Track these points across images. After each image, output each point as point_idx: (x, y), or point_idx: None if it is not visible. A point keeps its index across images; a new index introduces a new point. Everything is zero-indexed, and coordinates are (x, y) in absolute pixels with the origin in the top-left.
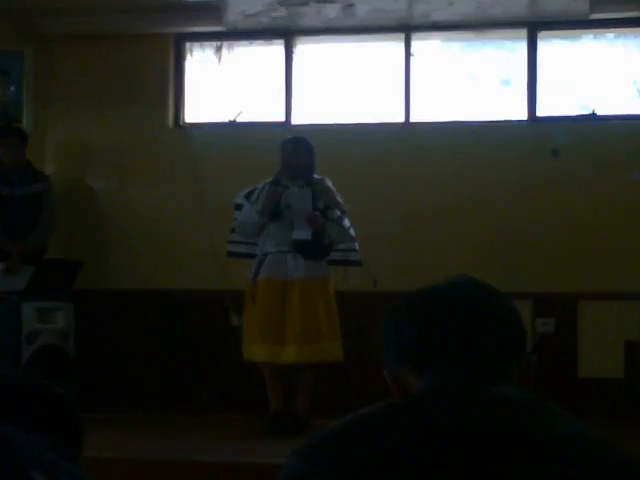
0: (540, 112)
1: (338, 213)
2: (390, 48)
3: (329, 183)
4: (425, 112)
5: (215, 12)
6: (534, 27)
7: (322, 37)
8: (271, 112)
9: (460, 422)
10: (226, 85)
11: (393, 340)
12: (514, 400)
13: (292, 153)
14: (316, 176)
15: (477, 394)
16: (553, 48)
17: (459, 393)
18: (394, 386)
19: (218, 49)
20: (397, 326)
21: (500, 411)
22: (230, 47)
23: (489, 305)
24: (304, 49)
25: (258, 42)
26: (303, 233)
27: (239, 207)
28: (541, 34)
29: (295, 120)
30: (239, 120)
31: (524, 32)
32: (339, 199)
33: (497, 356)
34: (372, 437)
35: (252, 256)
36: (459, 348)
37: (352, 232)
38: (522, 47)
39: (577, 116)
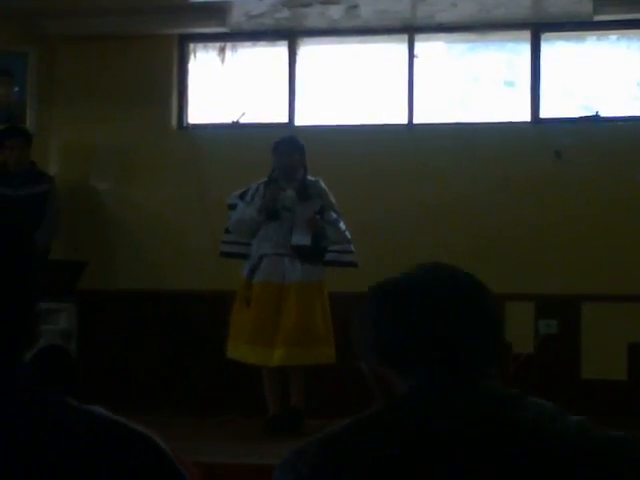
0: (543, 113)
1: (334, 215)
2: (394, 49)
3: (323, 185)
4: (428, 113)
5: (219, 13)
6: (537, 29)
7: (326, 38)
8: (274, 113)
9: (445, 426)
10: (229, 86)
11: (370, 336)
12: (500, 398)
13: (286, 154)
14: (310, 178)
15: (462, 395)
16: (556, 49)
17: (444, 395)
18: (374, 379)
19: (222, 50)
20: (375, 322)
21: (486, 412)
22: (234, 48)
23: (471, 300)
24: (308, 50)
25: (262, 43)
26: (303, 238)
27: (233, 207)
28: (544, 36)
29: (298, 121)
30: (242, 121)
31: (527, 34)
32: (333, 201)
33: (479, 355)
34: (357, 444)
35: (246, 256)
36: (442, 349)
37: (348, 234)
38: (525, 48)
39: (580, 117)
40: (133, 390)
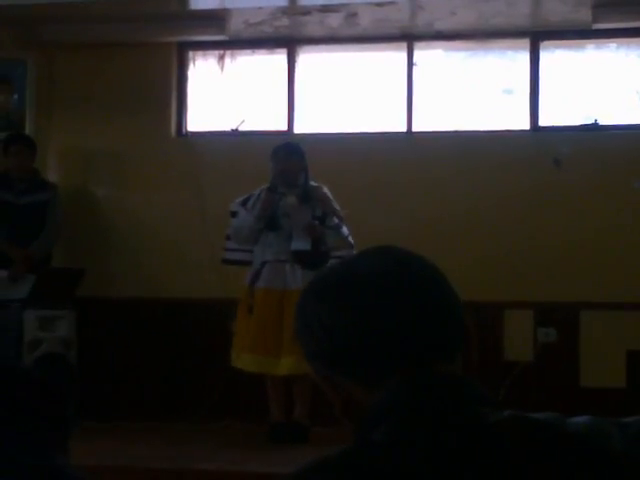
0: (542, 122)
1: (336, 221)
2: (393, 57)
3: (325, 190)
4: (427, 121)
5: (218, 21)
6: (536, 37)
7: (325, 46)
8: (273, 121)
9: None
10: (229, 94)
11: (318, 342)
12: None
13: (285, 159)
14: (313, 183)
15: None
16: (555, 58)
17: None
18: (330, 389)
19: (221, 58)
20: (330, 316)
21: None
22: (233, 56)
23: (439, 288)
24: (307, 58)
25: (261, 51)
26: (302, 244)
27: (235, 214)
28: (543, 44)
29: (297, 129)
30: (241, 129)
31: (526, 42)
32: (336, 206)
33: (451, 345)
34: None
35: (248, 263)
36: (414, 347)
37: (351, 239)
38: (524, 57)
39: (579, 126)
40: (132, 397)
